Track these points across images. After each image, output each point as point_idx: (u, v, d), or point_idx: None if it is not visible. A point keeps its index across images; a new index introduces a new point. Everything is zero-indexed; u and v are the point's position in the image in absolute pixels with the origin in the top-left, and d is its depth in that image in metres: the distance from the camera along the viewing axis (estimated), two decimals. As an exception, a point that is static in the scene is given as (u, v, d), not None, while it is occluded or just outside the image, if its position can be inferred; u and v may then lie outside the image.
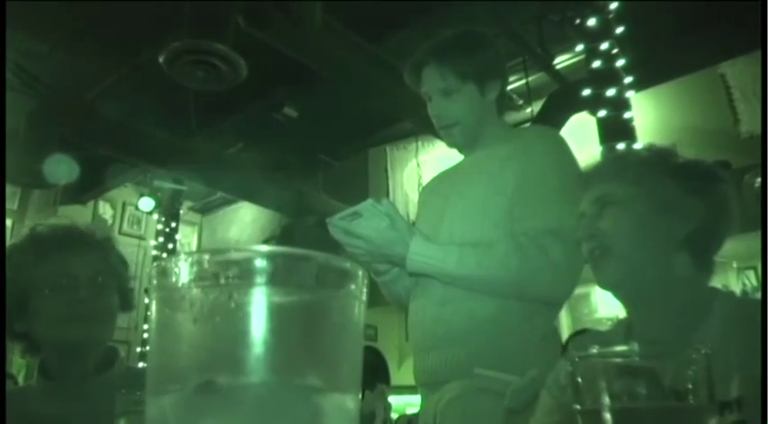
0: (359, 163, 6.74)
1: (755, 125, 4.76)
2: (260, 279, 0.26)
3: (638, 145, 1.07)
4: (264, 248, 0.26)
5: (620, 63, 3.87)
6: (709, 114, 4.89)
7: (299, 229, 5.84)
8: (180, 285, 0.26)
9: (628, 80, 3.89)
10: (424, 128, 1.49)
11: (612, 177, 0.96)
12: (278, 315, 0.26)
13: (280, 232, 6.57)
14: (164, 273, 0.27)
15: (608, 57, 3.83)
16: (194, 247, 8.04)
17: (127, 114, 4.89)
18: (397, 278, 1.43)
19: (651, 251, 0.90)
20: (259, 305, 0.25)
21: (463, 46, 1.46)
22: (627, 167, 0.96)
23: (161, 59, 3.33)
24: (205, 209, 8.04)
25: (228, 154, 6.01)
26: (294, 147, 6.20)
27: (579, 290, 5.95)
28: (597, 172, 1.02)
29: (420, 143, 6.18)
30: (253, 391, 0.24)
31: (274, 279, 0.26)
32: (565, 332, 5.60)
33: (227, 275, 0.25)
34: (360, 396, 0.29)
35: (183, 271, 0.26)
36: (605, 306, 5.51)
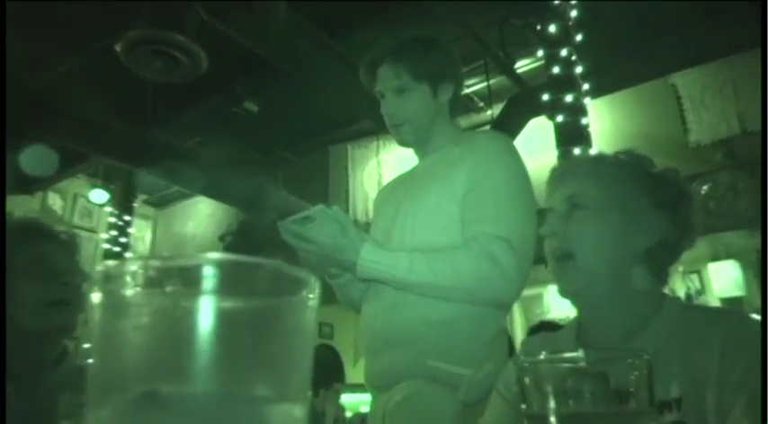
0: (319, 161, 6.71)
1: (703, 134, 4.95)
2: (207, 287, 0.25)
3: (618, 150, 1.09)
4: (213, 255, 0.26)
5: (578, 70, 3.96)
6: (661, 123, 5.06)
7: (258, 225, 5.77)
8: (124, 291, 0.25)
9: (585, 87, 3.99)
10: (385, 127, 1.50)
11: (586, 177, 0.96)
12: (225, 323, 0.25)
13: (237, 227, 6.47)
14: (107, 279, 0.26)
15: (567, 64, 3.93)
16: (148, 241, 7.86)
17: (81, 103, 4.74)
18: (350, 282, 1.44)
19: (612, 262, 0.91)
20: (205, 313, 0.25)
21: (419, 47, 1.48)
22: (602, 171, 0.96)
23: (118, 48, 3.24)
24: (160, 203, 7.86)
25: (186, 147, 5.89)
26: (254, 142, 6.12)
27: (532, 291, 6.10)
28: (572, 168, 1.02)
29: (381, 142, 6.19)
30: (197, 402, 0.24)
31: (222, 287, 0.25)
32: (518, 332, 5.71)
33: (173, 282, 0.25)
34: (308, 404, 0.29)
35: (127, 277, 0.25)
36: (557, 307, 5.64)
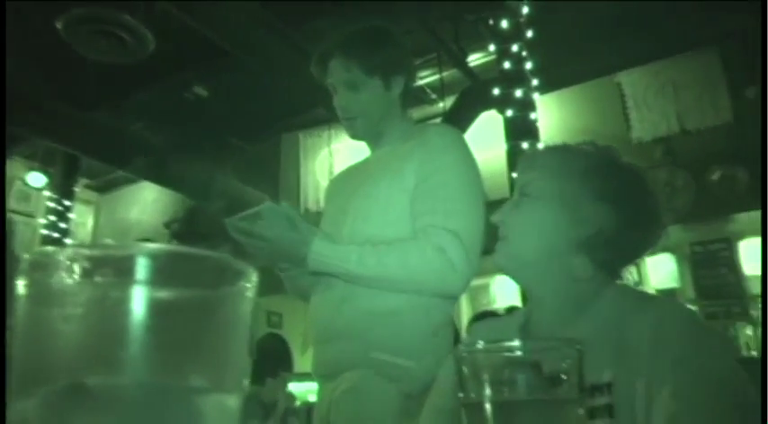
0: (271, 149, 6.62)
1: (645, 132, 5.14)
2: (139, 277, 0.25)
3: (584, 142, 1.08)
4: (146, 245, 0.25)
5: (528, 65, 4.04)
6: (606, 120, 5.22)
7: (205, 212, 5.66)
8: (52, 280, 0.25)
9: (534, 82, 4.07)
10: (338, 117, 1.50)
11: (538, 167, 0.98)
12: (157, 314, 0.25)
13: (184, 215, 6.32)
14: (35, 267, 0.25)
15: (517, 59, 4.00)
16: (90, 227, 7.59)
17: (18, 82, 4.51)
18: (300, 274, 1.44)
19: (543, 249, 0.93)
20: (136, 304, 0.25)
21: (370, 40, 1.48)
22: (552, 161, 0.98)
23: (59, 25, 3.10)
24: (103, 188, 7.59)
25: (131, 130, 5.71)
26: (203, 128, 5.98)
27: (479, 281, 6.21)
28: (531, 158, 1.05)
29: (333, 131, 6.15)
30: (126, 392, 0.24)
31: (155, 277, 0.25)
32: (465, 321, 5.81)
33: (103, 272, 0.24)
34: (243, 394, 0.29)
35: (56, 266, 0.25)
36: (503, 297, 5.77)
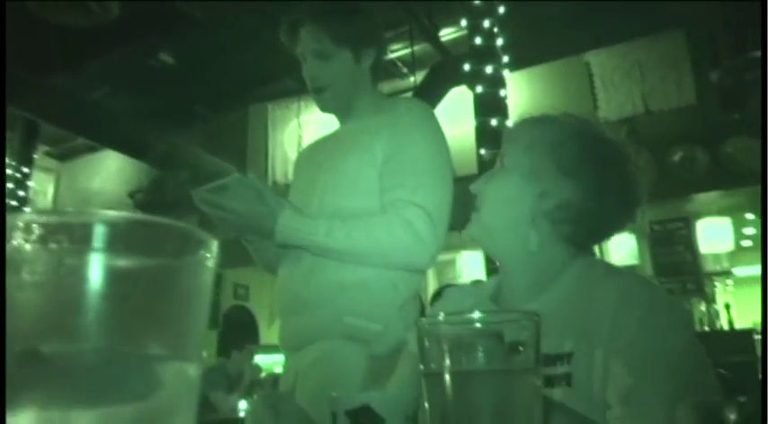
0: (238, 119, 6.51)
1: (610, 112, 5.22)
2: (96, 245, 0.25)
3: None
4: (104, 212, 0.25)
5: (499, 42, 4.04)
6: (573, 99, 5.28)
7: (170, 182, 5.56)
8: (7, 247, 0.24)
9: (505, 59, 4.08)
10: (307, 88, 1.48)
11: (514, 139, 1.00)
12: (114, 282, 0.25)
13: (148, 184, 6.20)
14: (-13, 234, 0.25)
15: (489, 35, 3.99)
16: (50, 196, 7.39)
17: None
18: (268, 246, 1.43)
19: (509, 219, 0.95)
20: (93, 271, 0.24)
21: (341, 11, 1.46)
22: (526, 133, 0.98)
23: (16, -15, 2.97)
24: (64, 155, 7.38)
25: (94, 97, 5.53)
26: (168, 96, 5.84)
27: (446, 256, 6.27)
28: (512, 130, 1.05)
29: (303, 103, 6.08)
30: (82, 359, 0.24)
31: (113, 245, 0.25)
32: (431, 293, 5.90)
33: (59, 238, 0.24)
34: (203, 363, 0.29)
35: (10, 233, 0.24)
36: (469, 272, 5.86)
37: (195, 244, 0.28)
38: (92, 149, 7.03)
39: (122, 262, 0.25)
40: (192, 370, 0.28)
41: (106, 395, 0.25)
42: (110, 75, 5.43)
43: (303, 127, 6.18)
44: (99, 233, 0.25)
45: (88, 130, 5.32)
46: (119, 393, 0.25)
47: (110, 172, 7.19)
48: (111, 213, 0.26)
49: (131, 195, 6.39)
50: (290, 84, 5.41)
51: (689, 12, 4.73)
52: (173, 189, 5.39)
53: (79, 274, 0.24)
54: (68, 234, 0.24)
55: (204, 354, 0.29)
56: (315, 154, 1.56)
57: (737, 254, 5.93)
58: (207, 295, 0.29)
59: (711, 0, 4.45)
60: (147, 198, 6.11)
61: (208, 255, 0.29)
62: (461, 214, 1.06)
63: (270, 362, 5.01)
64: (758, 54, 4.18)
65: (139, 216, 0.26)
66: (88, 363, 0.24)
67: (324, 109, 1.52)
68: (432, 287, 6.10)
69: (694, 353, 0.81)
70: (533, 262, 0.94)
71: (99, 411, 0.25)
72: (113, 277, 0.25)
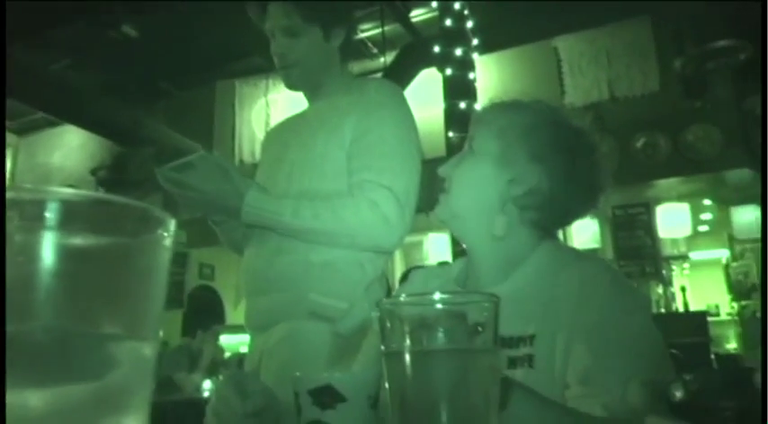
0: (205, 96, 6.39)
1: (577, 97, 5.29)
2: (49, 222, 0.24)
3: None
4: (57, 190, 0.25)
5: (469, 24, 4.04)
6: (542, 83, 5.32)
7: (134, 160, 5.44)
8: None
9: (475, 42, 4.09)
10: (275, 66, 1.46)
11: (484, 123, 1.00)
12: (67, 260, 0.24)
13: (112, 161, 6.05)
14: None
15: (459, 17, 3.98)
16: (8, 172, 7.15)
17: None
18: (234, 226, 1.42)
19: (479, 203, 0.96)
20: (45, 249, 0.24)
21: None
22: (497, 118, 0.98)
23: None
24: (23, 130, 7.13)
25: (53, 69, 5.35)
26: (132, 70, 5.68)
27: (413, 238, 6.31)
28: (482, 114, 1.05)
29: (271, 81, 5.99)
30: (33, 337, 0.23)
31: (66, 223, 0.24)
32: (398, 274, 5.94)
33: (10, 216, 0.23)
34: (159, 342, 0.29)
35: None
36: (436, 254, 5.91)
37: (152, 223, 0.28)
38: (52, 124, 6.81)
39: (76, 241, 0.25)
40: (148, 350, 0.28)
41: (59, 375, 0.24)
42: (70, 48, 5.25)
43: (271, 105, 6.10)
44: (52, 210, 0.24)
45: (48, 104, 5.14)
46: (72, 373, 0.25)
47: (71, 147, 6.98)
48: (65, 190, 0.25)
49: (93, 172, 6.23)
50: (259, 62, 5.33)
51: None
52: (137, 166, 5.27)
53: (30, 252, 0.24)
54: (19, 211, 0.24)
55: (161, 334, 0.29)
56: (282, 134, 1.54)
57: (694, 239, 6.13)
58: (164, 275, 0.29)
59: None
60: (109, 175, 5.97)
61: (165, 234, 0.28)
62: (429, 196, 1.06)
63: (236, 342, 4.99)
64: (720, 44, 4.28)
65: (94, 194, 0.26)
66: (39, 341, 0.23)
67: (291, 86, 1.50)
68: (399, 268, 6.14)
69: (651, 335, 0.84)
70: (500, 246, 0.96)
71: (52, 391, 0.24)
72: (66, 255, 0.25)
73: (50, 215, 0.24)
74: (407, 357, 0.47)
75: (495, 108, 1.03)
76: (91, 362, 0.25)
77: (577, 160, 0.95)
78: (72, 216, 0.25)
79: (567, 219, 1.01)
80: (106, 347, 0.26)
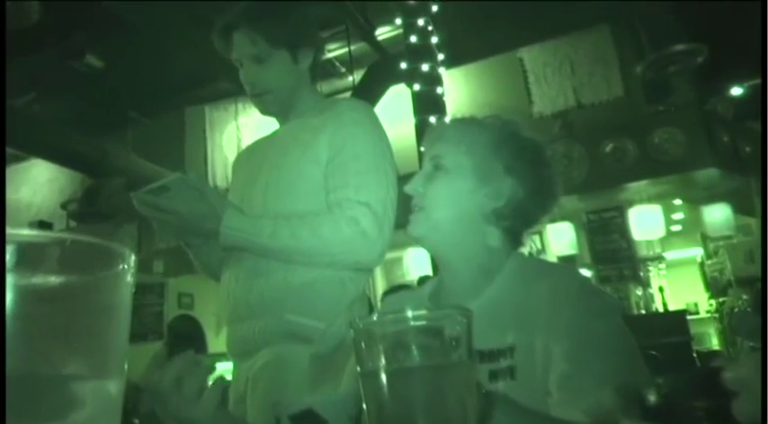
0: (174, 123, 6.34)
1: (544, 106, 5.39)
2: (6, 265, 0.24)
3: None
4: (11, 231, 0.24)
5: (434, 40, 4.09)
6: (510, 94, 5.41)
7: (105, 191, 5.36)
8: None
9: (441, 57, 4.14)
10: (244, 89, 1.46)
11: (449, 140, 1.01)
12: (25, 301, 0.24)
13: (82, 193, 5.96)
14: None
15: (424, 34, 4.04)
16: (-26, 210, 6.99)
17: None
18: (209, 250, 1.40)
19: (459, 219, 0.98)
20: (3, 292, 0.24)
21: (274, 11, 1.43)
22: (464, 135, 1.01)
23: None
24: (-13, 166, 6.99)
25: (17, 103, 5.27)
26: (99, 101, 5.62)
27: (393, 254, 6.32)
28: (441, 131, 1.08)
29: (240, 105, 5.98)
30: (-7, 383, 0.23)
31: (21, 264, 0.24)
32: (379, 294, 5.92)
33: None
34: (124, 379, 0.29)
35: None
36: (416, 269, 5.91)
37: (112, 259, 0.28)
38: (17, 159, 6.69)
39: (33, 281, 0.25)
40: (113, 387, 0.27)
41: (21, 417, 0.24)
42: (34, 81, 5.18)
43: (242, 129, 6.08)
44: (6, 253, 0.24)
45: (13, 139, 5.05)
46: (36, 415, 0.24)
47: (39, 182, 6.86)
48: (21, 231, 0.25)
49: (64, 205, 6.12)
50: (227, 86, 5.32)
51: (613, 6, 4.92)
52: (107, 197, 5.19)
53: (-15, 296, 0.23)
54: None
55: (126, 368, 0.29)
56: (254, 155, 1.53)
57: (668, 239, 6.24)
58: (126, 310, 0.28)
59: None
60: (81, 208, 5.87)
61: (125, 268, 0.28)
62: (406, 212, 1.07)
63: (219, 370, 4.90)
64: (678, 48, 4.41)
65: (49, 233, 0.25)
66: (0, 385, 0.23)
67: (264, 112, 1.50)
68: (380, 286, 6.13)
69: (622, 337, 0.85)
70: (478, 259, 0.98)
71: (16, 435, 0.24)
72: (22, 297, 0.24)
73: (7, 257, 0.24)
74: (383, 376, 0.47)
75: (457, 125, 1.06)
76: (54, 403, 0.25)
77: (542, 170, 1.00)
78: (29, 258, 0.24)
79: (530, 226, 1.05)
80: (69, 387, 0.25)
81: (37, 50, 4.63)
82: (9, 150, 6.03)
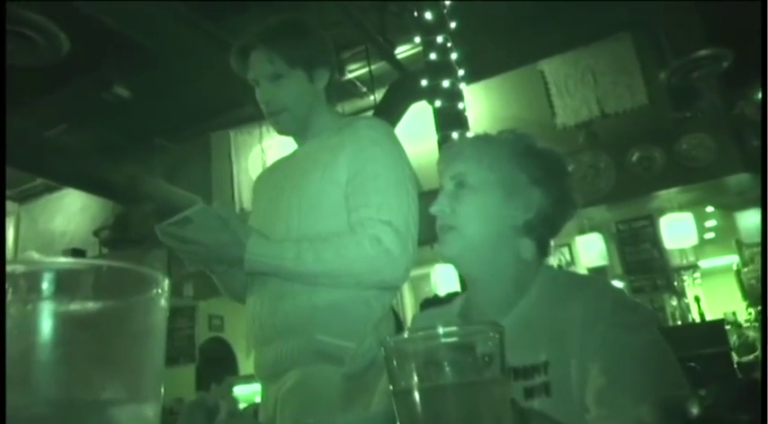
0: (200, 148, 6.45)
1: (568, 117, 5.34)
2: (42, 293, 0.24)
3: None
4: (48, 260, 0.25)
5: (453, 56, 4.10)
6: (532, 107, 5.38)
7: (135, 217, 5.46)
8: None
9: (461, 72, 4.15)
10: (264, 114, 1.48)
11: (470, 157, 1.02)
12: (63, 329, 0.25)
13: (113, 221, 6.08)
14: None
15: (443, 50, 4.05)
16: (11, 240, 7.18)
17: None
18: (234, 275, 1.41)
19: (491, 234, 0.98)
20: (40, 320, 0.24)
21: (291, 31, 1.45)
22: (484, 151, 1.02)
23: (-41, 27, 2.90)
24: (23, 197, 7.19)
25: (49, 135, 5.42)
26: (127, 130, 5.76)
27: (421, 271, 6.28)
28: (459, 149, 1.08)
29: (264, 128, 6.06)
30: (36, 411, 0.23)
31: (59, 292, 0.25)
32: (408, 310, 5.89)
33: (6, 289, 0.24)
34: (160, 402, 0.29)
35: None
36: (444, 285, 5.87)
37: (145, 284, 0.28)
38: (51, 189, 6.87)
39: (70, 309, 0.25)
40: (150, 411, 0.28)
41: (62, 444, 0.24)
42: (65, 112, 5.34)
43: (266, 152, 6.15)
44: (44, 281, 0.25)
45: (46, 170, 5.20)
46: (75, 441, 0.25)
47: (72, 211, 7.03)
48: (58, 259, 0.25)
49: (96, 233, 6.25)
50: (251, 111, 5.40)
51: (633, 14, 4.89)
52: (138, 224, 5.29)
53: (25, 324, 0.24)
54: (12, 284, 0.24)
55: (162, 391, 0.29)
56: (273, 177, 1.54)
57: (702, 247, 6.09)
58: (161, 334, 0.29)
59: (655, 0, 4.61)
60: (112, 235, 5.99)
61: (159, 292, 0.28)
62: (431, 228, 1.07)
63: (250, 392, 4.92)
64: (702, 53, 4.34)
65: (84, 260, 0.26)
66: (41, 414, 0.23)
67: (281, 131, 1.51)
68: (409, 302, 6.10)
69: (659, 349, 0.83)
70: (511, 273, 0.97)
71: (57, 461, 0.24)
72: (62, 324, 0.25)
73: (43, 285, 0.24)
74: (417, 395, 0.46)
75: (474, 143, 1.07)
76: (93, 429, 0.25)
77: (563, 179, 1.02)
78: (64, 285, 0.25)
79: (555, 235, 1.05)
80: (107, 412, 0.25)
81: (66, 83, 4.78)
82: (43, 181, 6.21)
